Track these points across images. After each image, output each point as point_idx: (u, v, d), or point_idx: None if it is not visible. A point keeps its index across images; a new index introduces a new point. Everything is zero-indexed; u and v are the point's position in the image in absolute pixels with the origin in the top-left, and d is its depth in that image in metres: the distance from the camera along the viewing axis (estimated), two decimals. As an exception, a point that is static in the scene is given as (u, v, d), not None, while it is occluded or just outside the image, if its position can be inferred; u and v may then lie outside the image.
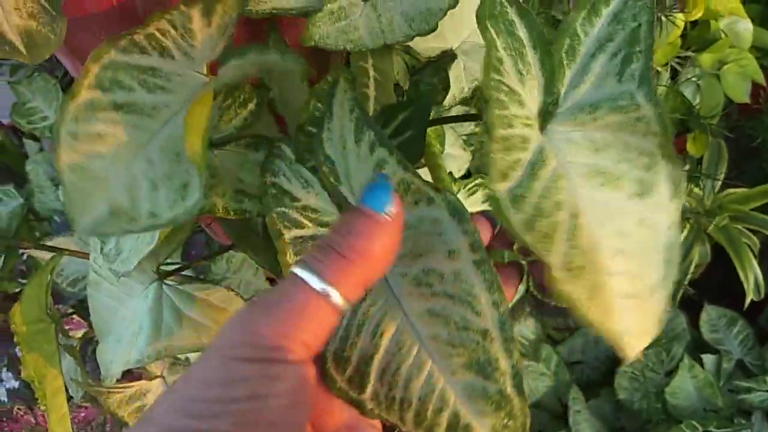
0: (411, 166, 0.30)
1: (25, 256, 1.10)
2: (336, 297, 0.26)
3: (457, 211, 0.29)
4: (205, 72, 0.35)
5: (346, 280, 0.27)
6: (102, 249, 0.42)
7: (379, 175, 0.29)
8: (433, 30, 0.38)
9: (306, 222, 0.32)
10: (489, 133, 0.27)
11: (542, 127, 0.30)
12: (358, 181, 0.31)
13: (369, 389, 0.30)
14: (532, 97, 0.30)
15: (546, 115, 0.31)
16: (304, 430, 0.28)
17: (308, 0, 0.38)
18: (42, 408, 0.45)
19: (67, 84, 1.15)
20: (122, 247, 0.41)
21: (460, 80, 0.50)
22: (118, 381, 0.45)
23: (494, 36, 0.28)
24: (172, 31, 0.34)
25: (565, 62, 0.31)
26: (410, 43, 0.50)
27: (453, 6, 0.37)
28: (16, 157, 1.25)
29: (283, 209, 0.32)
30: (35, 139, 1.24)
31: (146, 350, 0.41)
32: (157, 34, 0.33)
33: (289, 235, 0.32)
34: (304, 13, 0.37)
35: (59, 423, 0.46)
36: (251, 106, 0.39)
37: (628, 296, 0.29)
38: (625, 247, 0.29)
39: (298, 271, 0.27)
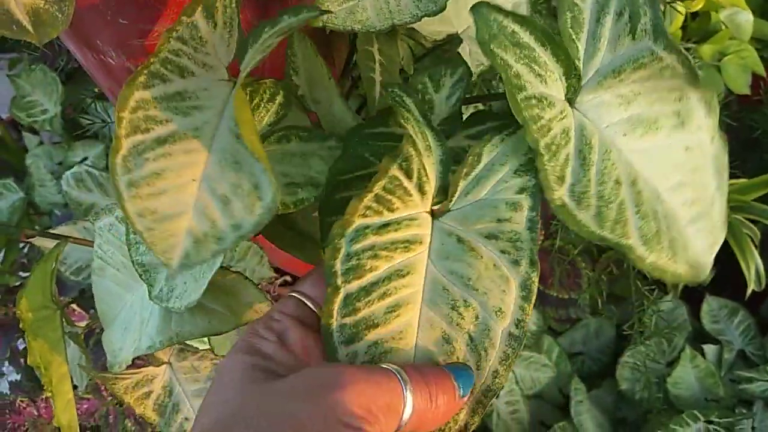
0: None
1: (26, 250, 1.10)
2: (409, 407, 0.29)
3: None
4: (227, 76, 0.35)
5: (419, 406, 0.30)
6: (151, 293, 0.41)
7: (468, 366, 0.32)
8: (442, 9, 0.38)
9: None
10: (535, 149, 0.29)
11: (573, 105, 0.32)
12: None
13: None
14: (558, 89, 0.31)
15: (573, 94, 0.31)
16: None
17: (316, -20, 0.38)
18: (48, 394, 0.45)
19: (66, 76, 1.14)
20: (173, 283, 0.41)
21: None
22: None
23: (503, 55, 0.30)
24: (185, 48, 0.33)
25: (573, 37, 0.31)
26: (416, 27, 0.50)
27: (462, -14, 0.37)
28: (15, 151, 1.25)
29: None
30: (35, 132, 1.24)
31: (157, 337, 0.41)
32: (171, 56, 0.33)
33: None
34: (311, -7, 0.37)
35: (65, 409, 0.45)
36: (279, 98, 0.39)
37: (695, 220, 0.32)
38: (681, 178, 0.31)
39: (391, 368, 0.30)
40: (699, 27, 1.18)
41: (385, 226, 0.33)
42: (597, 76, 0.32)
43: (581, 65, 0.31)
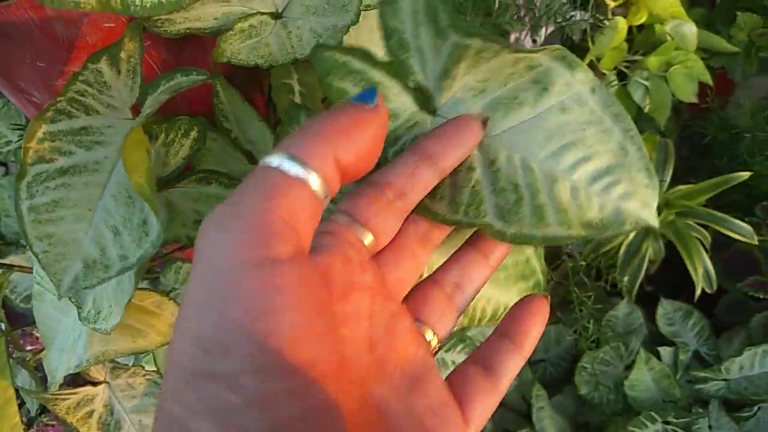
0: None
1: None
2: (315, 183, 0.24)
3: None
4: (130, 116, 0.38)
5: (321, 158, 0.24)
6: (80, 314, 0.43)
7: (370, 87, 0.28)
8: (340, 45, 0.41)
9: None
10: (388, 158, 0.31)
11: (436, 113, 0.33)
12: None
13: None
14: (404, 101, 0.33)
15: (429, 102, 0.33)
16: (329, 336, 0.24)
17: (220, 20, 0.40)
18: (-9, 418, 0.47)
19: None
20: (100, 305, 0.42)
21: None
22: (64, 388, 0.47)
23: (340, 84, 0.32)
24: (90, 89, 0.37)
25: (403, 57, 0.33)
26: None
27: (355, 23, 0.40)
28: (-17, 183, 1.26)
29: None
30: (1, 164, 1.26)
31: (85, 355, 0.44)
32: (77, 96, 0.36)
33: None
34: (217, 31, 0.40)
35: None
36: (193, 134, 0.42)
37: (600, 175, 0.31)
38: (567, 140, 0.31)
39: (267, 159, 0.24)
40: (645, 39, 1.22)
41: None
42: (436, 80, 0.33)
43: (423, 77, 0.33)
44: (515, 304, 0.33)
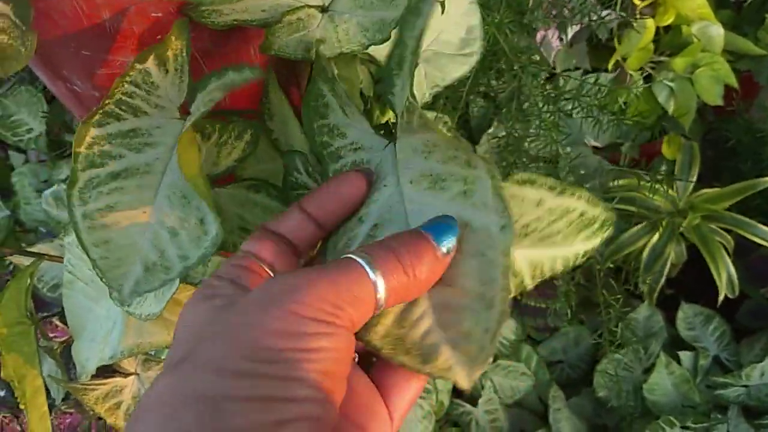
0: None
1: (11, 267, 1.12)
2: (381, 290, 0.28)
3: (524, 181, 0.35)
4: (178, 115, 0.38)
5: (393, 284, 0.28)
6: (111, 294, 0.42)
7: (449, 217, 0.31)
8: (387, 39, 0.40)
9: None
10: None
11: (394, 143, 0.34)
12: None
13: None
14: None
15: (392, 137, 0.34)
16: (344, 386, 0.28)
17: (267, 12, 0.40)
18: (22, 407, 0.47)
19: (51, 95, 1.17)
20: (143, 300, 0.42)
21: (422, 86, 0.52)
22: (93, 378, 0.46)
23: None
24: (137, 91, 0.36)
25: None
26: (372, 52, 0.52)
27: (404, 17, 0.39)
28: (2, 170, 1.26)
29: None
30: (21, 151, 1.26)
31: (119, 347, 0.43)
32: (125, 98, 0.35)
33: None
34: (264, 23, 0.39)
35: (39, 421, 0.47)
36: (246, 137, 0.41)
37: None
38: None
39: (355, 256, 0.28)
40: (671, 40, 1.20)
41: None
42: (402, 122, 0.33)
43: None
44: None
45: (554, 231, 0.40)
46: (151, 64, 0.35)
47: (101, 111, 0.34)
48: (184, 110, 0.37)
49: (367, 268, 0.28)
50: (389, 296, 0.28)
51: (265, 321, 0.26)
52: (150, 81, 0.35)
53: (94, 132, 0.34)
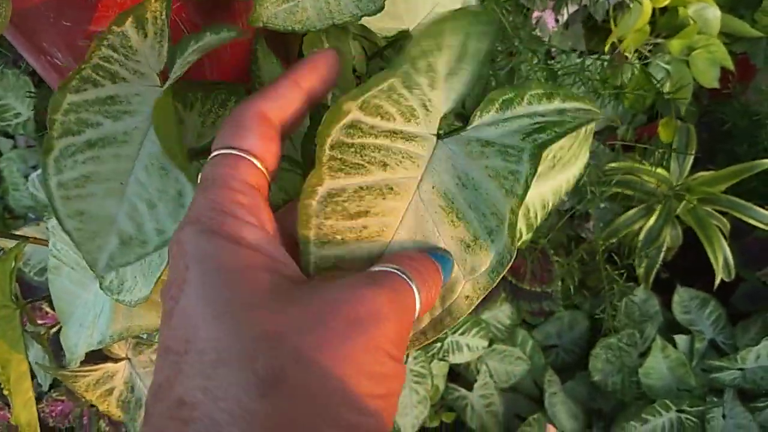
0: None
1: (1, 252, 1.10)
2: (418, 308, 0.28)
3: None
4: (158, 83, 0.36)
5: (425, 301, 0.28)
6: (102, 284, 0.41)
7: (448, 252, 0.31)
8: (381, 9, 0.39)
9: None
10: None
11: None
12: None
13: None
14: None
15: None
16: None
17: (256, -19, 0.38)
18: (5, 392, 0.46)
19: (39, 79, 1.14)
20: (124, 276, 0.41)
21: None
22: (83, 364, 0.45)
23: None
24: (115, 55, 0.34)
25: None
26: (367, 24, 0.51)
27: (398, -14, 0.38)
28: (-10, 155, 1.25)
29: None
30: (9, 136, 1.24)
31: (108, 331, 0.42)
32: (102, 62, 0.34)
33: None
34: (252, -6, 0.38)
35: (24, 407, 0.46)
36: (231, 104, 0.40)
37: None
38: None
39: (407, 279, 0.28)
40: (667, 22, 1.19)
41: (383, 132, 0.31)
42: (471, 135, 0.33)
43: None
44: None
45: (573, 153, 0.40)
46: (129, 26, 0.34)
47: (78, 76, 0.32)
48: (165, 78, 0.35)
49: (414, 289, 0.27)
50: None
51: (356, 356, 0.24)
52: (128, 45, 0.34)
53: (70, 98, 0.32)
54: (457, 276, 0.30)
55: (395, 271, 0.27)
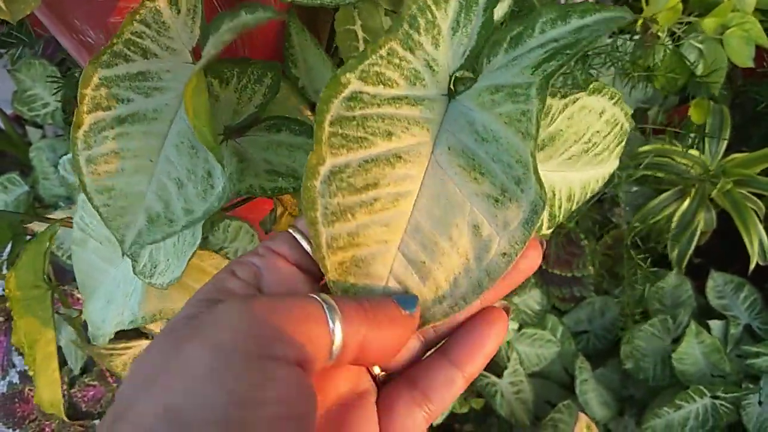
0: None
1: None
2: (337, 344, 0.26)
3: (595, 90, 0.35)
4: (190, 60, 0.36)
5: (354, 331, 0.27)
6: (135, 268, 0.41)
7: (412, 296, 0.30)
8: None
9: None
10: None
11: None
12: None
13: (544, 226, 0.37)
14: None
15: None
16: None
17: (286, -46, 0.37)
18: (31, 373, 0.46)
19: (65, 70, 1.15)
20: (157, 259, 0.41)
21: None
22: (112, 341, 0.45)
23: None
24: (147, 31, 0.34)
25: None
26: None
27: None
28: (20, 146, 1.26)
29: None
30: (38, 126, 1.25)
31: (140, 312, 0.42)
32: (134, 38, 0.34)
33: None
34: (282, -33, 0.37)
35: (47, 386, 0.46)
36: (267, 80, 0.39)
37: None
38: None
39: (316, 295, 0.27)
40: (700, 0, 1.16)
41: (387, 99, 0.30)
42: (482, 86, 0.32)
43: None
44: (473, 318, 0.32)
45: (604, 147, 0.39)
46: (162, 2, 0.33)
47: (109, 51, 0.32)
48: (198, 55, 0.35)
49: (326, 310, 0.26)
50: (351, 344, 0.27)
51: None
52: (161, 20, 0.34)
53: (101, 72, 0.32)
54: (490, 234, 0.29)
55: (315, 297, 0.27)
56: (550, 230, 0.39)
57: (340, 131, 0.29)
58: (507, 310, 0.32)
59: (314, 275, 0.31)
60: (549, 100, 0.34)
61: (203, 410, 0.22)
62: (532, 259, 0.31)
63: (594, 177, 0.40)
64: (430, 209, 0.30)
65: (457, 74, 0.31)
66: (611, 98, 0.37)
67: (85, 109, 0.33)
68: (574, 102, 0.35)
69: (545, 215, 0.38)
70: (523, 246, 0.29)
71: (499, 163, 0.28)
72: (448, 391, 0.31)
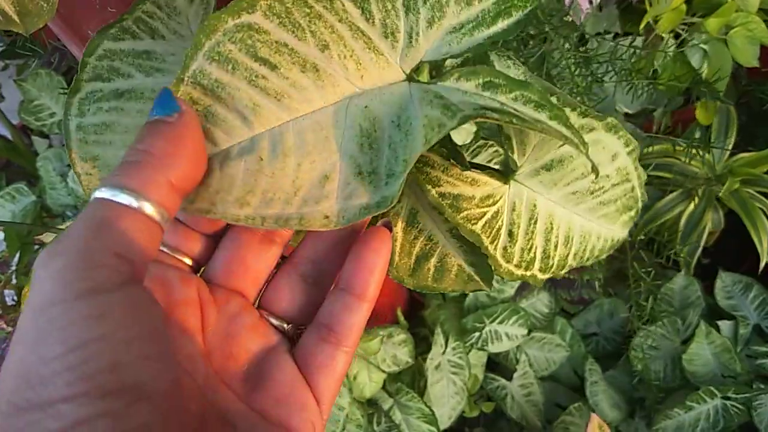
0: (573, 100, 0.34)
1: (40, 251, 1.12)
2: (148, 207, 0.25)
3: (612, 126, 0.37)
4: None
5: (153, 185, 0.25)
6: None
7: (164, 90, 0.28)
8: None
9: None
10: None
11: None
12: None
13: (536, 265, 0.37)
14: None
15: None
16: (171, 367, 0.24)
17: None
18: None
19: (71, 80, 1.16)
20: None
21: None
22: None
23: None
24: (158, 12, 0.34)
25: None
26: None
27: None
28: (27, 156, 1.26)
29: None
30: (44, 136, 1.25)
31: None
32: (145, 17, 0.34)
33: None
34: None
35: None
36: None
37: None
38: None
39: (98, 193, 0.25)
40: (704, 0, 1.16)
41: (351, 22, 0.29)
42: None
43: None
44: (357, 242, 0.32)
45: (611, 198, 0.39)
46: (176, -12, 0.34)
47: (118, 25, 0.32)
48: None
49: (118, 197, 0.24)
50: (168, 202, 0.25)
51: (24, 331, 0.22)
52: (173, 5, 0.34)
53: (107, 44, 0.33)
54: (330, 192, 0.28)
55: (96, 197, 0.25)
56: (545, 276, 0.39)
57: (288, 5, 0.28)
58: (388, 226, 0.32)
59: None
60: (568, 112, 0.34)
61: (45, 365, 0.21)
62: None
63: (597, 232, 0.40)
64: (304, 130, 0.29)
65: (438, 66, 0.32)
66: (626, 145, 0.37)
67: (85, 77, 0.33)
68: (590, 131, 0.36)
69: (538, 253, 0.38)
70: (344, 224, 0.28)
71: (392, 150, 0.28)
72: (350, 318, 0.31)
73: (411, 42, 0.30)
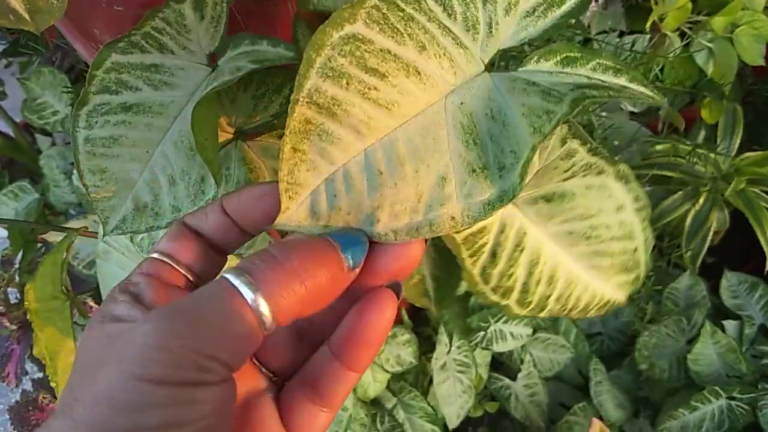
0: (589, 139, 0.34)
1: (43, 249, 1.12)
2: (266, 315, 0.24)
3: (623, 176, 0.36)
4: (205, 62, 0.36)
5: (283, 303, 0.25)
6: (133, 239, 0.42)
7: (360, 230, 0.28)
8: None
9: None
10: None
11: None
12: None
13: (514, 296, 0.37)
14: None
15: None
16: None
17: (306, -38, 0.37)
18: (53, 385, 0.46)
19: (75, 76, 1.15)
20: (156, 236, 0.42)
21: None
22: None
23: None
24: (168, 28, 0.34)
25: None
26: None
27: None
28: (30, 154, 1.26)
29: None
30: (47, 134, 1.25)
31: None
32: (153, 32, 0.34)
33: None
34: (302, -25, 0.37)
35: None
36: (286, 92, 0.39)
37: None
38: None
39: (231, 277, 0.24)
40: (709, -1, 1.15)
41: (438, 20, 0.29)
42: None
43: None
44: (357, 306, 0.29)
45: (607, 251, 0.38)
46: (187, 6, 0.33)
47: (127, 39, 0.32)
48: (213, 60, 0.35)
49: (244, 291, 0.24)
50: (279, 315, 0.25)
51: (107, 390, 0.22)
52: (183, 23, 0.34)
53: (115, 57, 0.32)
54: (451, 194, 0.28)
55: (229, 277, 0.25)
56: (522, 312, 0.38)
57: (384, 9, 0.28)
58: (397, 289, 0.29)
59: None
60: (577, 145, 0.34)
61: None
62: (417, 251, 0.29)
63: (584, 283, 0.39)
64: (412, 136, 0.29)
65: (512, 53, 0.31)
66: (636, 200, 0.37)
67: (93, 90, 0.33)
68: (598, 173, 0.35)
69: (518, 284, 0.37)
70: (472, 223, 0.28)
71: (495, 143, 0.28)
72: (337, 387, 0.30)
73: (491, 31, 0.30)
